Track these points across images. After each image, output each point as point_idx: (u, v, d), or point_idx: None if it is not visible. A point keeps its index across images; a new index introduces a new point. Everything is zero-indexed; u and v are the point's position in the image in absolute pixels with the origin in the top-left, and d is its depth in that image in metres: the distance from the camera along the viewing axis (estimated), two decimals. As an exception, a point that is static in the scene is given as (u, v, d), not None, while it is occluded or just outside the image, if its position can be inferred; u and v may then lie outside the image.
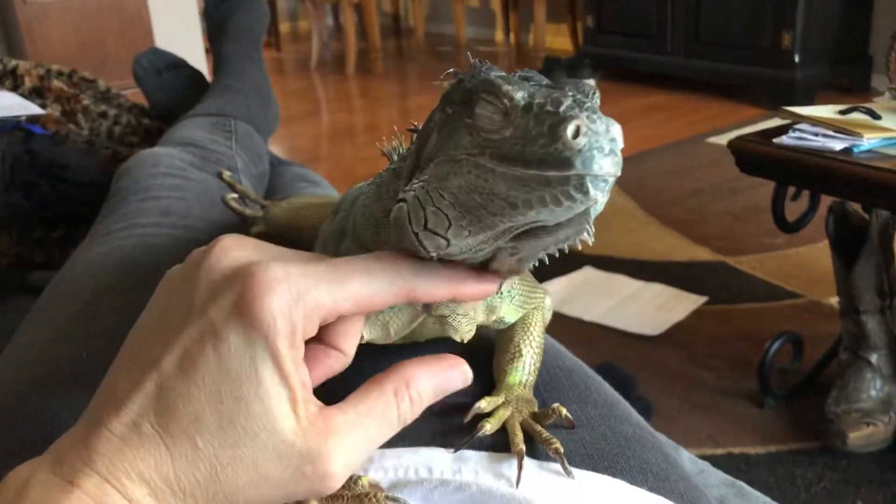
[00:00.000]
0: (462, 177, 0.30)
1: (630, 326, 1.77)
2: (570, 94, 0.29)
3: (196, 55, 3.42)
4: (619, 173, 0.28)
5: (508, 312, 0.42)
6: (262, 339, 0.27)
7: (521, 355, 0.43)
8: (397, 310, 0.38)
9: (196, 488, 0.27)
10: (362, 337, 0.37)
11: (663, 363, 1.63)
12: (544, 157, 0.28)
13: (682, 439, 1.38)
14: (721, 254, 2.09)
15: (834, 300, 1.62)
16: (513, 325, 0.44)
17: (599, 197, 0.28)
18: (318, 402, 0.29)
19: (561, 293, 1.92)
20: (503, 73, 0.31)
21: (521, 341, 0.43)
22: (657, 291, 1.92)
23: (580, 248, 0.32)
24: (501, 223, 0.30)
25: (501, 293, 0.41)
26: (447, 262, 0.32)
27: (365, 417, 0.29)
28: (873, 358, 1.35)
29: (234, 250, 0.30)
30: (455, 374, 0.32)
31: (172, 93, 1.33)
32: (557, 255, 0.32)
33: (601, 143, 0.27)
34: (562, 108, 0.28)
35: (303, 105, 4.11)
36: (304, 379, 0.29)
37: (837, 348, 1.42)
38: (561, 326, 1.76)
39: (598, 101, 0.29)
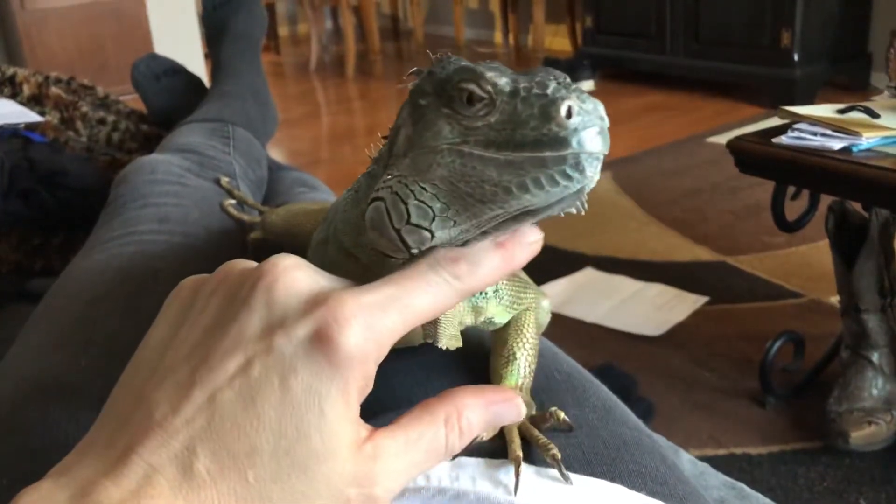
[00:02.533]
0: (445, 167, 0.30)
1: (631, 327, 1.77)
2: (551, 77, 0.29)
3: (195, 60, 3.42)
4: (608, 151, 0.29)
5: (497, 313, 0.41)
6: (336, 374, 0.26)
7: (516, 359, 0.42)
8: None
9: None
10: None
11: (664, 363, 1.63)
12: (538, 138, 0.28)
13: (683, 439, 1.38)
14: (721, 253, 2.09)
15: (834, 299, 1.62)
16: (506, 329, 0.43)
17: (594, 175, 0.28)
18: (368, 426, 0.28)
19: (562, 294, 1.92)
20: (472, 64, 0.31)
21: (514, 344, 0.43)
22: (658, 292, 1.92)
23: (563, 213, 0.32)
24: (491, 210, 0.29)
25: (486, 292, 0.40)
26: (478, 240, 0.31)
27: (414, 444, 0.28)
28: (874, 357, 1.34)
29: (297, 273, 0.28)
30: (509, 408, 0.31)
31: (171, 98, 1.33)
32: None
33: (593, 121, 0.28)
34: (549, 90, 0.28)
35: (302, 108, 4.12)
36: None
37: (838, 347, 1.42)
38: (562, 327, 1.76)
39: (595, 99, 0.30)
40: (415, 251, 0.31)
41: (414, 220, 0.31)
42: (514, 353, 0.43)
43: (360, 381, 0.27)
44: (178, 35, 3.60)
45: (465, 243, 0.32)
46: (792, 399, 1.47)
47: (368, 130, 3.72)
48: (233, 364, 0.26)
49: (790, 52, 3.33)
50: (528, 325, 0.43)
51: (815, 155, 1.20)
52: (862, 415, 1.32)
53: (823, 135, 1.21)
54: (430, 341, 0.37)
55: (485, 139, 0.29)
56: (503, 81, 0.30)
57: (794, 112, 1.29)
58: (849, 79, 3.54)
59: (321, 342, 0.26)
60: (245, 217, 0.77)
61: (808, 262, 1.99)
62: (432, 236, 0.31)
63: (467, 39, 5.46)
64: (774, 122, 1.34)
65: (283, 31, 6.14)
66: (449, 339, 0.37)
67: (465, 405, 0.29)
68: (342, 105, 4.31)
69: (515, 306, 0.43)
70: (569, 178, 0.28)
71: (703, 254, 2.11)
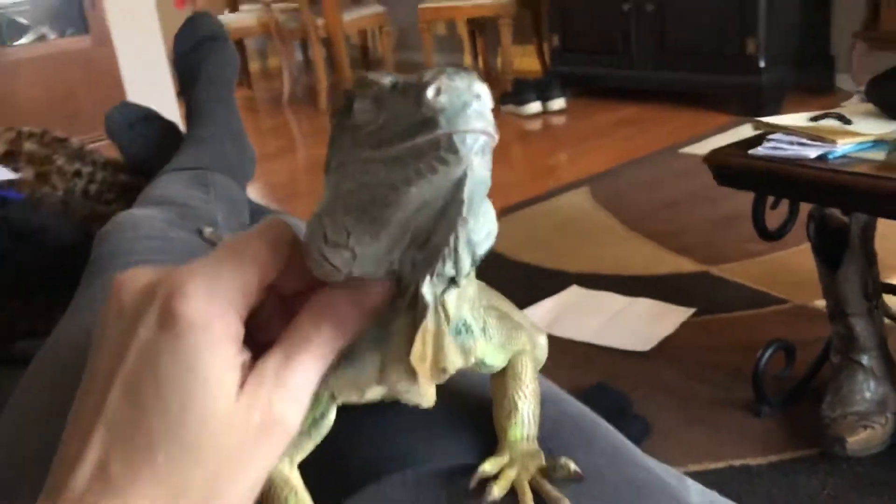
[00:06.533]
0: (350, 178, 0.29)
1: (621, 343, 1.77)
2: (442, 70, 0.28)
3: (168, 103, 3.41)
4: (492, 132, 0.27)
5: (488, 353, 0.39)
6: (193, 338, 0.28)
7: (518, 409, 0.42)
8: (361, 370, 0.35)
9: (174, 500, 0.28)
10: (335, 398, 0.37)
11: (657, 379, 1.63)
12: (413, 127, 0.27)
13: (681, 455, 1.38)
14: (704, 263, 2.11)
15: (820, 302, 1.63)
16: (504, 378, 0.42)
17: (472, 157, 0.27)
18: (248, 355, 0.30)
19: (550, 314, 1.92)
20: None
21: (514, 394, 0.42)
22: (645, 306, 1.92)
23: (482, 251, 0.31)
24: (394, 215, 0.29)
25: (472, 330, 0.37)
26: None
27: (296, 354, 0.30)
28: (864, 360, 1.35)
29: (134, 277, 0.31)
30: (365, 297, 0.32)
31: (146, 146, 1.33)
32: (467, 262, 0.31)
33: (464, 98, 0.27)
34: (425, 78, 0.27)
35: (278, 142, 4.11)
36: (245, 359, 0.30)
37: (828, 351, 1.43)
38: (553, 348, 1.73)
39: (476, 78, 0.28)
40: (346, 272, 0.31)
41: (331, 238, 0.30)
42: (515, 404, 0.42)
43: (225, 337, 0.29)
44: (149, 79, 3.59)
45: (400, 269, 0.31)
46: (786, 406, 1.47)
47: (345, 161, 3.71)
48: (115, 377, 0.29)
49: (756, 60, 3.38)
50: (526, 371, 0.42)
51: (791, 164, 1.21)
52: (856, 419, 1.32)
53: (799, 143, 1.22)
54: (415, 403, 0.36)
55: (378, 140, 0.28)
56: (387, 80, 0.29)
57: (769, 122, 1.31)
58: (814, 82, 3.60)
59: (168, 317, 0.28)
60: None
61: (790, 268, 2.00)
62: (353, 255, 0.30)
63: (437, 64, 5.49)
64: (745, 129, 1.35)
65: (253, 65, 6.14)
66: (426, 399, 0.36)
67: (330, 308, 0.32)
68: (317, 137, 4.31)
69: (508, 346, 0.41)
70: (444, 161, 0.27)
71: (685, 265, 2.12)
